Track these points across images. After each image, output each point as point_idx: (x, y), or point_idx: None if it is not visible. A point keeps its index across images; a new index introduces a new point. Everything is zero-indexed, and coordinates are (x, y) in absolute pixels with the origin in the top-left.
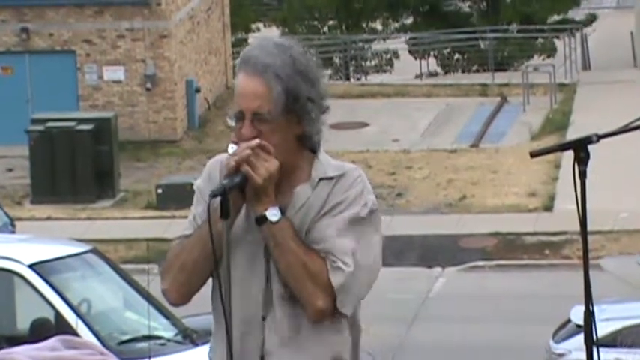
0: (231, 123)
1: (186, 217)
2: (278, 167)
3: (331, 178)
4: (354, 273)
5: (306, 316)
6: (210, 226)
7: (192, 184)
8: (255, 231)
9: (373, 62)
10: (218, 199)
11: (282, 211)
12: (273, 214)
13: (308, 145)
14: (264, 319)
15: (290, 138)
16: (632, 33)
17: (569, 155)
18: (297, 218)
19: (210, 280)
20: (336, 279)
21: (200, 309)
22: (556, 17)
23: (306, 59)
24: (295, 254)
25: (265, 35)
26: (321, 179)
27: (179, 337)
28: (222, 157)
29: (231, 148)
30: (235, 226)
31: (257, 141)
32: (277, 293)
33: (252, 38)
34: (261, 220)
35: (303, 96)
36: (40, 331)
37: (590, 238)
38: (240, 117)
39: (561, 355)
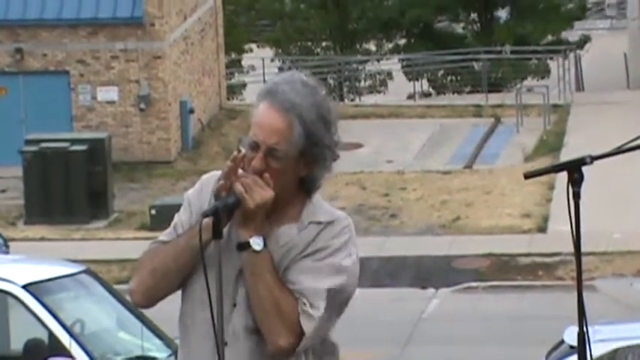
0: (244, 150)
1: None
2: (272, 197)
3: (320, 223)
4: (322, 317)
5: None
6: (201, 246)
7: None
8: (230, 254)
9: (367, 83)
10: (210, 218)
11: (265, 244)
12: (257, 242)
13: (307, 188)
14: (226, 344)
15: (294, 178)
16: (625, 54)
17: (563, 176)
18: (278, 255)
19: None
20: (306, 325)
21: None
22: (550, 38)
23: (328, 104)
24: (269, 288)
25: (293, 72)
26: (310, 222)
27: (172, 358)
28: (218, 173)
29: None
30: (211, 246)
31: (257, 178)
32: (242, 323)
33: (245, 59)
34: (244, 246)
35: (322, 142)
36: (33, 352)
37: (583, 259)
38: (254, 147)
39: None
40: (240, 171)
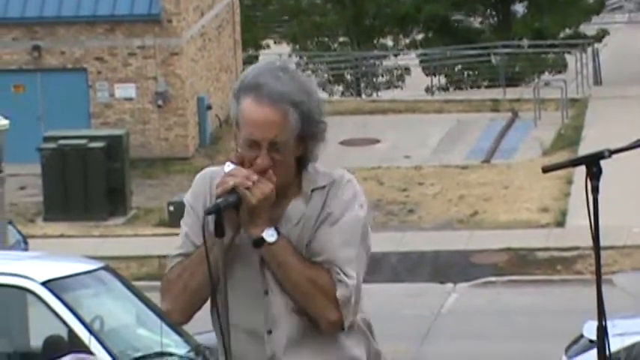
0: (240, 152)
1: None
2: (273, 190)
3: (323, 187)
4: (356, 284)
5: (319, 327)
6: (205, 245)
7: None
8: (248, 245)
9: (384, 78)
10: (212, 216)
11: (277, 230)
12: (270, 234)
13: (304, 162)
14: (269, 332)
15: (292, 160)
16: None
17: (581, 170)
18: (295, 233)
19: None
20: (340, 293)
21: (211, 325)
22: (567, 32)
23: (309, 80)
24: (300, 271)
25: (267, 61)
26: (313, 190)
27: (191, 354)
28: (211, 170)
29: (228, 166)
30: (234, 244)
31: (256, 177)
32: (279, 307)
33: (262, 55)
34: (259, 242)
35: (316, 119)
36: (53, 349)
37: (602, 253)
38: (253, 146)
39: None
40: (237, 169)
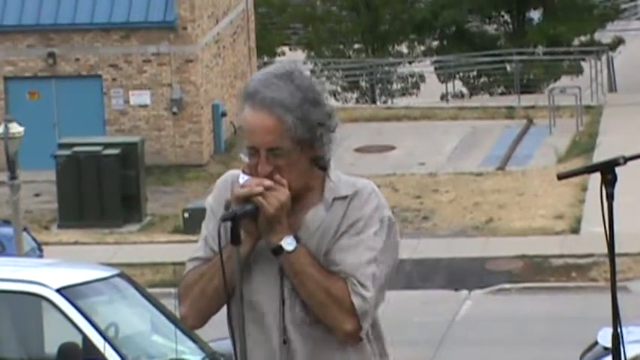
0: (245, 159)
1: None
2: (289, 196)
3: (345, 197)
4: (373, 296)
5: (334, 338)
6: (221, 253)
7: None
8: (267, 253)
9: (399, 85)
10: (229, 223)
11: (297, 237)
12: (288, 243)
13: (320, 165)
14: (285, 342)
15: (304, 162)
16: None
17: (596, 177)
18: (314, 241)
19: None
20: (360, 305)
21: (226, 332)
22: (582, 39)
23: (308, 81)
24: (316, 281)
25: (266, 68)
26: (334, 199)
27: None
28: (233, 174)
29: (242, 178)
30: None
31: (270, 182)
32: (295, 318)
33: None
34: (278, 250)
35: (314, 122)
36: (67, 356)
37: (617, 260)
38: (253, 153)
39: None
40: (250, 179)
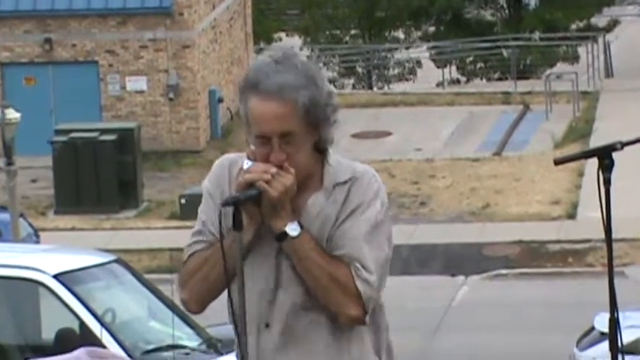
0: (253, 148)
1: None
2: (294, 181)
3: (345, 182)
4: (376, 280)
5: (339, 322)
6: (221, 239)
7: None
8: (265, 239)
9: (396, 71)
10: (230, 209)
11: (300, 223)
12: (292, 228)
13: (320, 149)
14: (267, 326)
15: (308, 147)
16: None
17: (592, 163)
18: (316, 227)
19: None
20: (364, 289)
21: (224, 318)
22: (579, 24)
23: (308, 65)
24: (320, 267)
25: (262, 57)
26: (335, 185)
27: (203, 347)
28: (230, 157)
29: (246, 163)
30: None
31: (275, 169)
32: (288, 303)
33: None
34: (282, 236)
35: (321, 102)
36: (64, 342)
37: (614, 245)
38: (265, 142)
39: None
40: (255, 165)
